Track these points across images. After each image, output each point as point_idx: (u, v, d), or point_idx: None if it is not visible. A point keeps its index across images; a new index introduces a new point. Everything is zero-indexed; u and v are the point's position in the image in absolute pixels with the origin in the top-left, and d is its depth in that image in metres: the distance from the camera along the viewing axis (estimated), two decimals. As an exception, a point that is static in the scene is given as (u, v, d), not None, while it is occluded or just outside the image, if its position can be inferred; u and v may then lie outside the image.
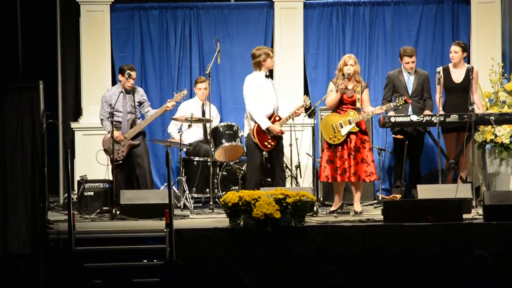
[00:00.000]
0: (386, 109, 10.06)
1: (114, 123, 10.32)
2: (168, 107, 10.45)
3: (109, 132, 10.29)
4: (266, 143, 9.93)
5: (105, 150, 10.42)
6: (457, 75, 10.44)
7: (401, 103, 9.97)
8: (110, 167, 10.24)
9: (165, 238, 8.61)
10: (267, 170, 10.42)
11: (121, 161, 10.37)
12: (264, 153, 10.18)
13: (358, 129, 9.74)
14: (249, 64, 11.18)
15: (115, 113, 10.36)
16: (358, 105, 9.81)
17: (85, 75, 11.51)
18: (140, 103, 10.58)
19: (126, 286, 6.43)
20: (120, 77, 10.52)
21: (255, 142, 9.92)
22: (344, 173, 9.71)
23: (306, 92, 11.64)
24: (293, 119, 10.12)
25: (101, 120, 10.48)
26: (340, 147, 9.75)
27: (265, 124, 9.91)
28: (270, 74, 11.52)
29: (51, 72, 11.54)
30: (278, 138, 9.97)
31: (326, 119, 9.89)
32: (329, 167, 9.77)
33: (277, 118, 9.99)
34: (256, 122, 9.94)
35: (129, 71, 10.39)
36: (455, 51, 10.40)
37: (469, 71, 10.24)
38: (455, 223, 8.85)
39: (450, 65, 10.52)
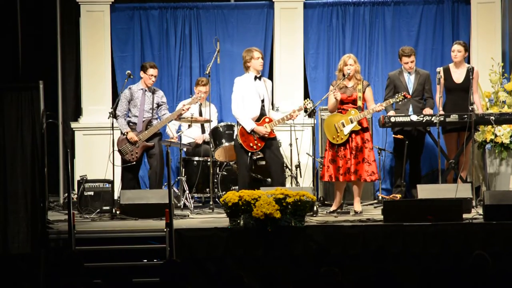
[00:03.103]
0: (386, 105, 10.06)
1: (130, 124, 10.30)
2: (183, 110, 10.39)
3: (124, 133, 10.24)
4: (251, 144, 9.88)
5: (119, 151, 10.35)
6: (458, 75, 10.44)
7: (400, 99, 9.96)
8: (114, 166, 10.21)
9: (165, 238, 8.61)
10: (267, 171, 10.41)
11: (134, 163, 10.30)
12: (259, 155, 10.20)
13: (360, 127, 9.74)
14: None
15: (131, 110, 10.33)
16: (359, 103, 9.80)
17: (85, 75, 11.51)
18: (158, 105, 10.51)
19: (126, 286, 6.42)
20: (141, 74, 10.43)
21: (240, 143, 9.91)
22: (347, 172, 9.71)
23: (306, 92, 11.64)
24: (292, 121, 10.10)
25: (118, 116, 10.29)
26: (342, 146, 9.75)
27: (249, 126, 9.86)
28: (270, 75, 11.55)
29: (51, 72, 11.55)
30: (268, 139, 9.93)
31: (329, 119, 9.89)
32: (332, 166, 9.76)
33: (266, 120, 9.94)
34: (241, 124, 9.93)
35: (150, 68, 10.32)
36: (458, 50, 10.40)
37: (470, 71, 10.25)
38: (455, 223, 8.85)
39: (451, 65, 10.53)
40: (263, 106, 9.98)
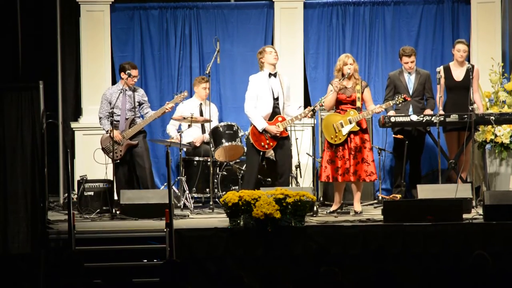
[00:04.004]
0: (385, 107, 10.06)
1: (114, 123, 10.32)
2: (167, 109, 10.42)
3: (107, 131, 10.28)
4: (263, 144, 9.90)
5: (103, 149, 10.41)
6: (458, 74, 10.45)
7: (401, 101, 9.97)
8: (108, 166, 10.23)
9: (165, 238, 8.61)
10: (267, 170, 10.42)
11: (118, 161, 10.35)
12: (270, 153, 10.19)
13: (358, 128, 9.74)
14: (249, 64, 11.22)
15: (114, 111, 10.35)
16: (358, 104, 9.80)
17: (85, 75, 11.51)
18: (140, 104, 10.56)
19: (126, 286, 6.42)
20: (122, 75, 10.48)
21: (251, 143, 9.92)
22: (346, 173, 9.70)
23: (306, 92, 11.64)
24: (300, 119, 10.11)
25: (100, 118, 10.45)
26: (341, 147, 9.74)
27: (260, 125, 9.87)
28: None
29: (51, 72, 11.54)
30: (280, 138, 9.93)
31: (327, 119, 9.89)
32: (330, 167, 9.76)
33: (279, 119, 9.95)
34: (252, 124, 9.93)
35: (129, 71, 10.38)
36: (464, 50, 10.40)
37: (470, 70, 10.24)
38: (455, 223, 8.85)
39: (451, 63, 10.53)
40: (276, 104, 9.97)
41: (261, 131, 9.88)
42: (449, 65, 10.53)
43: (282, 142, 9.94)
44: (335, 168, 9.74)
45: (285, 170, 9.94)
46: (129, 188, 10.29)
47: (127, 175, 10.49)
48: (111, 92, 10.47)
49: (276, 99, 9.97)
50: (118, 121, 10.40)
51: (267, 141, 9.90)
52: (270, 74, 9.97)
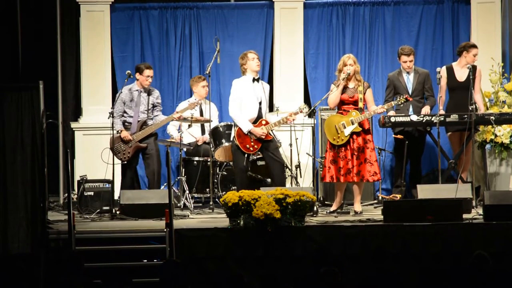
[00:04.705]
0: (387, 107, 10.06)
1: (126, 124, 10.31)
2: (174, 118, 10.43)
3: (118, 131, 10.25)
4: (248, 146, 9.88)
5: (111, 149, 10.36)
6: (461, 74, 10.44)
7: (402, 101, 9.97)
8: (114, 166, 10.22)
9: (165, 238, 8.61)
10: (267, 170, 10.41)
11: (125, 162, 10.32)
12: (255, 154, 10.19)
13: (361, 129, 9.74)
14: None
15: (127, 111, 10.33)
16: (360, 105, 9.80)
17: (85, 75, 11.51)
18: (154, 106, 10.52)
19: (126, 286, 6.42)
20: (137, 76, 10.43)
21: (236, 144, 9.91)
22: (348, 173, 9.70)
23: (306, 92, 11.64)
24: (289, 123, 10.12)
25: (113, 116, 10.35)
26: (343, 147, 9.74)
27: (246, 127, 9.86)
28: (270, 75, 11.54)
29: (51, 72, 11.55)
30: (265, 141, 9.93)
31: (329, 120, 9.88)
32: (333, 167, 9.75)
33: (263, 122, 9.94)
34: (238, 126, 9.92)
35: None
36: (477, 54, 10.42)
37: (470, 70, 10.24)
38: (455, 223, 8.85)
39: (454, 64, 10.53)
40: (260, 108, 9.99)
41: (246, 132, 9.86)
42: (451, 66, 10.52)
43: (267, 144, 9.93)
44: (337, 168, 9.74)
45: (276, 170, 9.91)
46: (134, 189, 10.28)
47: (134, 175, 10.48)
48: (126, 92, 10.41)
49: (259, 104, 9.98)
50: (130, 123, 10.37)
51: (252, 143, 9.88)
52: (253, 79, 9.97)
